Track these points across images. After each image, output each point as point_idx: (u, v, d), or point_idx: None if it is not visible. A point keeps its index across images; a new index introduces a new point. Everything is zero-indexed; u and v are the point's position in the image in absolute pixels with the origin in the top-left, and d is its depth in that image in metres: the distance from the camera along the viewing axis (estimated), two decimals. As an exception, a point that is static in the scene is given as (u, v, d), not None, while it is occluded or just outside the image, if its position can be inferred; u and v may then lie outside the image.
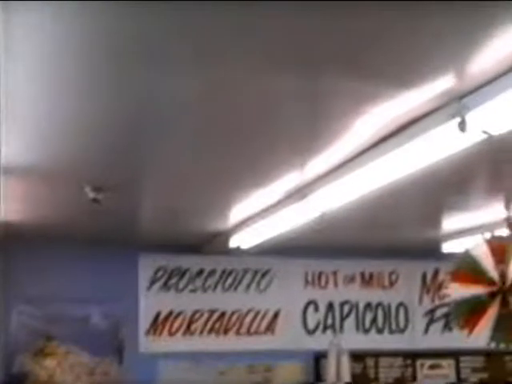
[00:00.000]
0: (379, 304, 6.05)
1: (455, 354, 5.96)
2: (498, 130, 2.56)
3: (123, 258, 5.46)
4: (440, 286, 6.05)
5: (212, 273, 5.77)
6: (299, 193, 3.71)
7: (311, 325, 5.89)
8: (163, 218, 4.61)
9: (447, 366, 6.00)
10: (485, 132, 2.58)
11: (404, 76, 2.39)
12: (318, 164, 3.30)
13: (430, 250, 5.51)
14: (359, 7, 1.91)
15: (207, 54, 2.19)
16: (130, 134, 2.93)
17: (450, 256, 4.65)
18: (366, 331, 6.00)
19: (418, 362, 5.96)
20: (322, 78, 2.39)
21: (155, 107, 2.63)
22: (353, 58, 2.24)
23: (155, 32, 2.05)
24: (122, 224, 4.72)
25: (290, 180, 3.59)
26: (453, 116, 2.54)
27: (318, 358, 5.68)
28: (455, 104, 2.52)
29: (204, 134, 2.93)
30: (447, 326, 5.99)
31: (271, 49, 2.17)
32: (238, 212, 4.34)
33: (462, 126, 2.54)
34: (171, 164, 3.36)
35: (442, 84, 2.45)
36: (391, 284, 6.08)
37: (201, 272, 5.73)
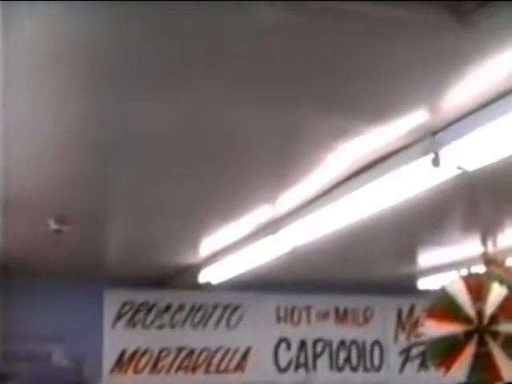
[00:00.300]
0: (353, 341, 6.04)
1: (432, 394, 5.97)
2: (472, 165, 2.62)
3: (88, 293, 5.38)
4: (416, 324, 6.06)
5: (180, 308, 5.71)
6: (271, 226, 3.73)
7: (283, 363, 5.85)
8: (130, 250, 4.56)
9: (423, 406, 6.00)
10: (459, 168, 2.64)
11: (377, 111, 2.44)
12: (290, 197, 3.33)
13: (405, 287, 5.54)
14: (332, 43, 1.96)
15: (179, 84, 2.20)
16: (95, 163, 2.91)
17: (426, 293, 4.68)
18: (340, 369, 5.98)
19: (394, 402, 5.96)
20: (296, 111, 2.43)
21: (121, 137, 2.63)
22: (326, 92, 2.28)
23: (123, 61, 2.06)
24: (86, 257, 4.66)
25: (261, 213, 3.61)
26: (426, 151, 2.60)
27: (290, 397, 5.66)
28: (429, 139, 2.58)
29: (174, 165, 2.94)
30: (423, 365, 6.00)
31: (244, 81, 2.20)
32: (207, 245, 4.33)
33: (436, 162, 2.59)
34: (138, 195, 3.35)
35: (416, 119, 2.50)
36: (366, 321, 6.08)
37: (168, 307, 5.67)
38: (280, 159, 2.88)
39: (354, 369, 5.99)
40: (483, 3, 1.66)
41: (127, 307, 5.55)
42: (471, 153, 2.53)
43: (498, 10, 1.69)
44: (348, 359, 6.04)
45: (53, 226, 3.55)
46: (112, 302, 5.50)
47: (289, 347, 5.91)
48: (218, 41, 1.95)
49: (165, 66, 2.09)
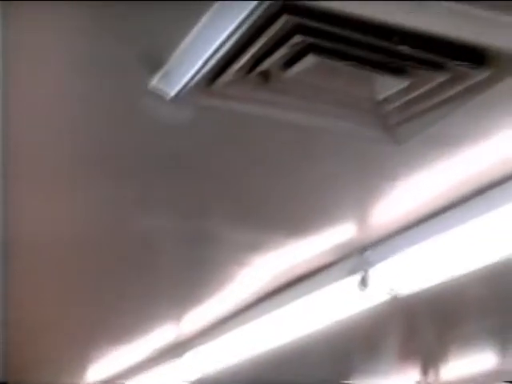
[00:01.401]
0: None
1: None
2: (404, 288, 2.64)
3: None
4: None
5: None
6: (176, 350, 3.65)
7: None
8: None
9: None
10: (391, 290, 2.65)
11: (297, 224, 2.45)
12: (199, 316, 3.27)
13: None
14: (248, 150, 2.00)
15: (81, 184, 2.19)
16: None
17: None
18: None
19: None
20: (205, 221, 2.43)
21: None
22: (240, 201, 2.30)
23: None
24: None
25: (165, 334, 3.53)
26: (354, 270, 2.61)
27: None
28: (356, 257, 2.60)
29: (68, 278, 2.88)
30: None
31: (152, 185, 2.20)
32: (101, 369, 4.19)
33: (364, 283, 2.60)
34: (25, 306, 3.19)
35: (342, 235, 2.52)
36: None
37: None
38: (188, 273, 2.85)
39: None
40: (409, 118, 1.72)
41: None
42: (403, 274, 2.55)
43: (424, 127, 1.76)
44: None
45: None
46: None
47: None
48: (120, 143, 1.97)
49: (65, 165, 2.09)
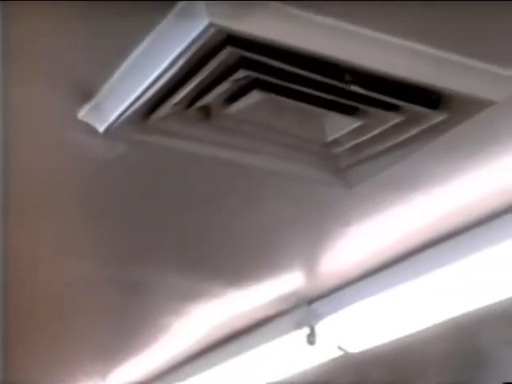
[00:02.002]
0: None
1: None
2: (355, 345, 2.66)
3: None
4: None
5: None
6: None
7: None
8: None
9: None
10: (339, 348, 2.66)
11: (239, 272, 2.45)
12: (128, 373, 3.26)
13: None
14: (187, 190, 1.99)
15: None
16: None
17: None
18: None
19: None
20: (138, 268, 2.42)
21: None
22: (178, 247, 2.30)
23: None
24: None
25: (90, 390, 3.52)
26: (300, 324, 2.62)
27: None
28: (303, 310, 2.62)
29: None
30: None
31: (73, 230, 2.19)
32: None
33: (312, 338, 2.61)
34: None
35: (287, 284, 2.53)
36: None
37: None
38: (117, 323, 2.84)
39: None
40: (362, 161, 1.74)
41: None
42: (354, 329, 2.58)
43: (377, 170, 1.78)
44: None
45: None
46: None
47: None
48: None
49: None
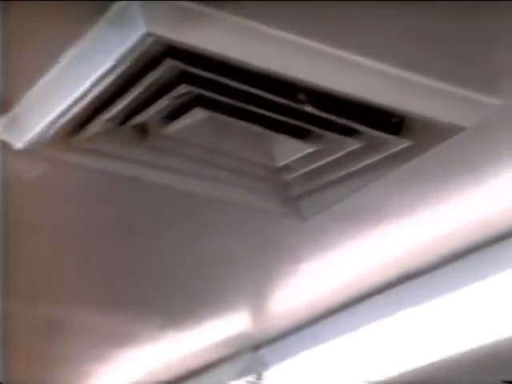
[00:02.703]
0: None
1: None
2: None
3: None
4: None
5: None
6: None
7: None
8: None
9: None
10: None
11: (175, 313, 2.45)
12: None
13: None
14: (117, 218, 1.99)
15: None
16: None
17: None
18: None
19: None
20: (60, 308, 2.41)
21: None
22: (105, 283, 2.29)
23: None
24: None
25: None
26: (245, 372, 2.64)
27: None
28: (249, 356, 2.63)
29: None
30: None
31: None
32: None
33: (258, 387, 2.61)
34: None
35: (232, 327, 2.54)
36: None
37: None
38: (33, 369, 2.81)
39: None
40: (316, 189, 1.76)
41: None
42: (304, 378, 2.58)
43: (334, 201, 1.81)
44: None
45: None
46: None
47: None
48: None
49: None
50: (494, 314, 2.18)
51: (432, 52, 1.41)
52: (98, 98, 1.43)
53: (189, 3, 1.26)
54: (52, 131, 1.51)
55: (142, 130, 1.58)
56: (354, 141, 1.59)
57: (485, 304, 2.16)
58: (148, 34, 1.26)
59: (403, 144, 1.59)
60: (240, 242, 2.09)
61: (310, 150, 1.65)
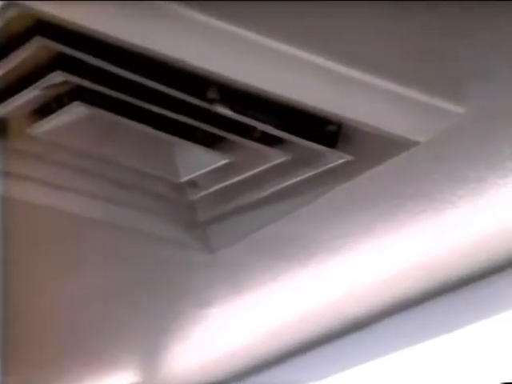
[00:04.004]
0: None
1: None
2: None
3: None
4: None
5: None
6: None
7: None
8: None
9: None
10: None
11: (48, 365, 2.45)
12: None
13: None
14: None
15: None
16: None
17: None
18: None
19: None
20: None
21: None
22: None
23: None
24: None
25: None
26: None
27: None
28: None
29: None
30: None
31: None
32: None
33: None
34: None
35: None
36: None
37: None
38: None
39: None
40: (228, 214, 1.78)
41: None
42: None
43: (250, 229, 1.82)
44: None
45: None
46: None
47: None
48: None
49: None
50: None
51: (380, 46, 1.39)
52: None
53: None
54: None
55: (1, 128, 1.55)
56: (278, 152, 1.59)
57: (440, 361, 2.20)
58: (10, 4, 1.24)
59: (341, 159, 1.59)
60: (130, 277, 2.09)
61: (223, 162, 1.64)
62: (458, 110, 1.52)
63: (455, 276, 2.07)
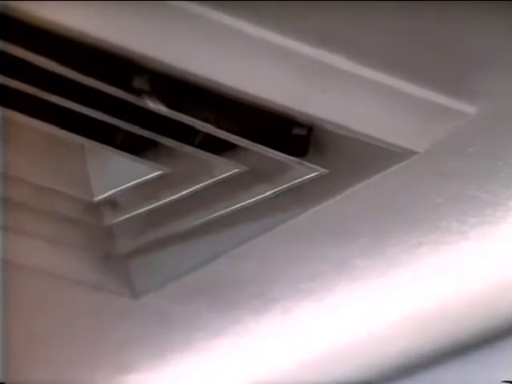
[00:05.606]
0: None
1: None
2: None
3: None
4: None
5: None
6: None
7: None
8: None
9: None
10: None
11: None
12: None
13: None
14: None
15: None
16: None
17: None
18: None
19: None
20: None
21: None
22: None
23: None
24: None
25: None
26: None
27: None
28: None
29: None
30: None
31: None
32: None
33: None
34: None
35: None
36: None
37: None
38: None
39: None
40: (153, 246, 1.81)
41: None
42: None
43: (181, 268, 1.86)
44: None
45: None
46: None
47: None
48: None
49: None
50: None
51: (366, 27, 1.36)
52: None
53: None
54: None
55: None
56: (227, 163, 1.60)
57: None
58: None
59: (311, 172, 1.61)
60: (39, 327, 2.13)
61: (153, 175, 1.65)
62: (468, 109, 1.50)
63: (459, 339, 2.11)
